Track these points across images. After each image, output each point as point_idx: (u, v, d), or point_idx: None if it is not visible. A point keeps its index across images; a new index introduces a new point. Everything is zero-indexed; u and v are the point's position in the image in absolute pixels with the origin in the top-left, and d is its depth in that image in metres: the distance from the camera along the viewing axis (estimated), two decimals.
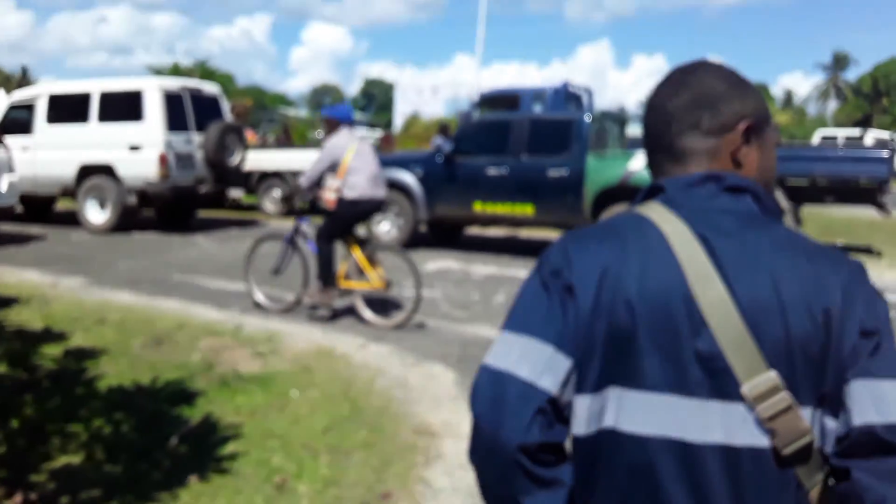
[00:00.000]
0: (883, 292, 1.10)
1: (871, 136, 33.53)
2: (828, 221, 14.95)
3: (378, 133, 30.86)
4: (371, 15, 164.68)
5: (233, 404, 4.31)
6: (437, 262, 9.44)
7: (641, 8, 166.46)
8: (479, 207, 9.90)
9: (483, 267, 9.19)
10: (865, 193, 11.01)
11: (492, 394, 1.04)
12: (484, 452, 1.05)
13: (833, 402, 1.00)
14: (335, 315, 6.50)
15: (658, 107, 1.16)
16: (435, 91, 45.77)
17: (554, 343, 1.03)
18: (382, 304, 6.58)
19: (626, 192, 8.96)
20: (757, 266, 1.02)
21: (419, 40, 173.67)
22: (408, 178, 10.32)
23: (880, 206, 11.19)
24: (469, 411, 1.06)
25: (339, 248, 6.38)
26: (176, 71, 37.60)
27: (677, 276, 1.01)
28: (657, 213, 1.08)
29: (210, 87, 13.10)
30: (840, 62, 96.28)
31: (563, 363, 1.03)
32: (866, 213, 13.58)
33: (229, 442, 3.79)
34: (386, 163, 10.85)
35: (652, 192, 1.14)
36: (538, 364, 1.03)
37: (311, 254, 6.43)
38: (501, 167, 9.64)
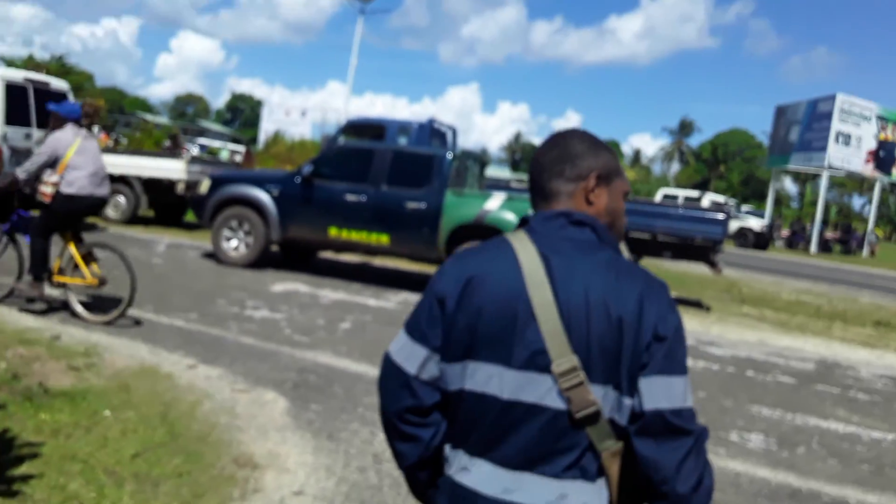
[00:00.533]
0: (683, 321, 1.41)
1: (708, 198, 36.25)
2: (664, 274, 15.90)
3: (240, 148, 29.98)
4: (246, 31, 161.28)
5: (34, 421, 3.91)
6: (285, 284, 9.18)
7: (510, 58, 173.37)
8: (334, 233, 9.74)
9: (332, 292, 9.03)
10: (700, 251, 11.78)
11: (382, 372, 1.54)
12: (381, 413, 1.55)
13: (630, 387, 1.35)
14: (51, 308, 6.47)
15: (537, 159, 1.55)
16: (303, 113, 45.42)
17: (417, 339, 1.47)
18: (99, 301, 6.61)
19: (480, 230, 9.11)
20: (577, 279, 1.38)
21: (293, 62, 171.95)
22: (262, 196, 10.02)
23: (712, 265, 12.00)
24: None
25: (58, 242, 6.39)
26: (30, 63, 34.97)
27: (520, 283, 1.39)
28: (517, 238, 1.46)
29: (58, 83, 12.23)
30: (685, 128, 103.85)
31: (421, 352, 1.46)
32: (699, 269, 14.57)
33: (24, 462, 3.42)
34: (243, 179, 10.57)
35: (523, 222, 1.51)
36: (404, 352, 1.49)
37: (26, 246, 6.37)
38: (360, 195, 9.55)
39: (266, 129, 41.78)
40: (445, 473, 1.48)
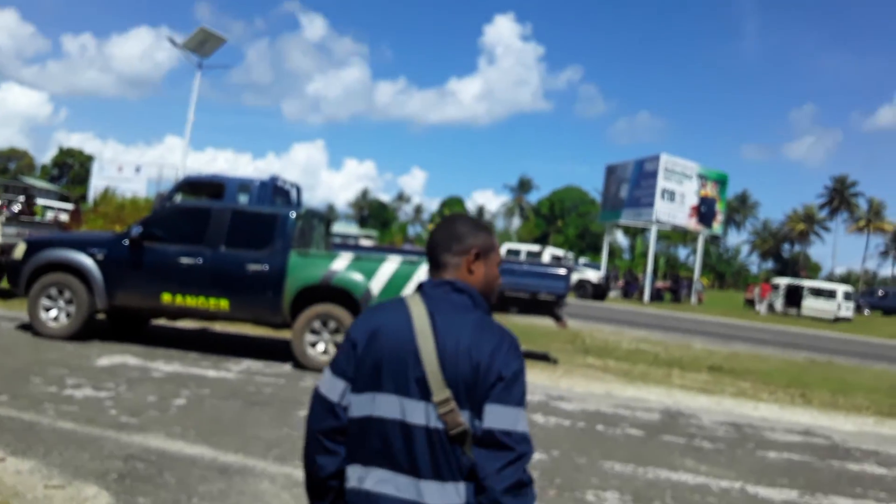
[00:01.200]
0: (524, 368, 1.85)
1: (549, 252, 37.71)
2: (513, 327, 16.11)
3: (67, 206, 27.81)
4: (76, 84, 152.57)
5: None
6: (112, 357, 8.34)
7: (355, 116, 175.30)
8: (167, 299, 9.02)
9: (166, 364, 8.29)
10: (545, 306, 11.98)
11: (312, 402, 1.90)
12: (306, 433, 1.89)
13: (479, 413, 1.76)
14: None
15: (432, 236, 1.99)
16: (138, 169, 43.22)
17: (338, 374, 1.86)
18: None
19: (327, 291, 8.76)
20: (452, 332, 1.80)
21: (128, 116, 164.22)
22: (85, 260, 9.14)
23: (557, 318, 12.23)
24: None
25: None
26: None
27: (412, 334, 1.80)
28: (413, 299, 1.89)
29: None
30: (524, 185, 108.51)
31: (341, 385, 1.85)
32: (545, 322, 14.86)
33: None
34: (63, 242, 9.61)
35: (419, 287, 1.93)
36: (327, 385, 1.87)
37: None
38: (196, 257, 8.93)
39: (96, 185, 39.21)
40: (348, 487, 1.85)
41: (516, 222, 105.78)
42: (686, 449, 6.68)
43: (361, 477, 1.80)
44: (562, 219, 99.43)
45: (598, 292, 34.00)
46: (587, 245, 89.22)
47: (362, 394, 1.83)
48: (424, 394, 1.77)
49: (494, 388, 1.76)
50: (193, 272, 8.92)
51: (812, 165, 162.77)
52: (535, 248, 41.06)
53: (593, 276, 35.79)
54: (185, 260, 8.95)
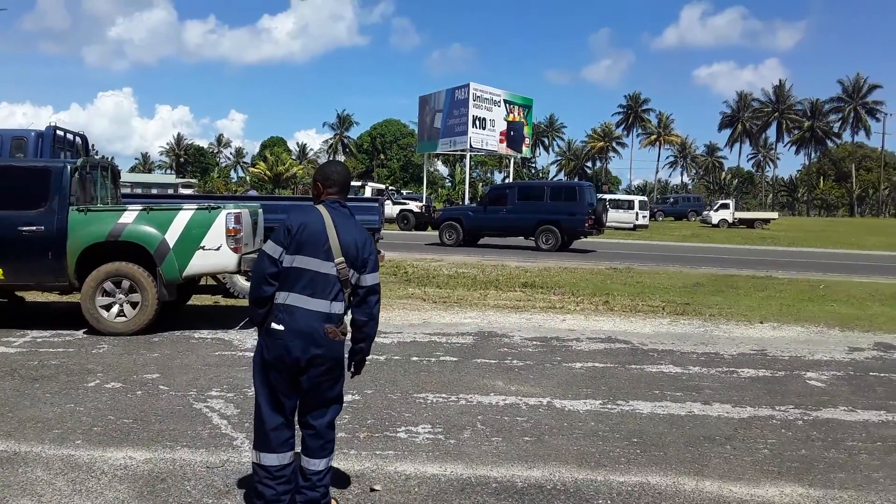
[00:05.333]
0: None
1: (370, 186, 37.49)
2: None
3: None
4: None
5: None
6: None
7: (163, 60, 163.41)
8: None
9: None
10: None
11: (258, 258, 3.47)
12: (254, 277, 3.46)
13: (359, 274, 3.47)
14: None
15: (334, 174, 3.66)
16: None
17: (279, 244, 3.38)
18: None
19: (117, 248, 8.03)
20: (345, 228, 3.45)
21: None
22: None
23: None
24: None
25: None
26: None
27: (323, 227, 3.40)
28: (322, 209, 3.48)
29: None
30: (344, 122, 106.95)
31: (279, 249, 3.37)
32: None
33: None
34: None
35: (319, 201, 3.59)
36: (271, 248, 3.39)
37: None
38: None
39: None
40: (276, 302, 3.37)
41: (340, 159, 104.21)
42: (497, 370, 6.84)
43: (285, 297, 3.34)
44: (384, 153, 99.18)
45: (420, 222, 34.35)
46: (411, 177, 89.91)
47: (293, 255, 3.34)
48: (329, 258, 3.35)
49: (367, 263, 3.46)
50: None
51: (609, 87, 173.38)
52: (356, 183, 40.66)
53: (415, 206, 36.09)
54: None
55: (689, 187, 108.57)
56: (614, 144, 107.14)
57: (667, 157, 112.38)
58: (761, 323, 10.05)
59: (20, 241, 7.93)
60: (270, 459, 3.38)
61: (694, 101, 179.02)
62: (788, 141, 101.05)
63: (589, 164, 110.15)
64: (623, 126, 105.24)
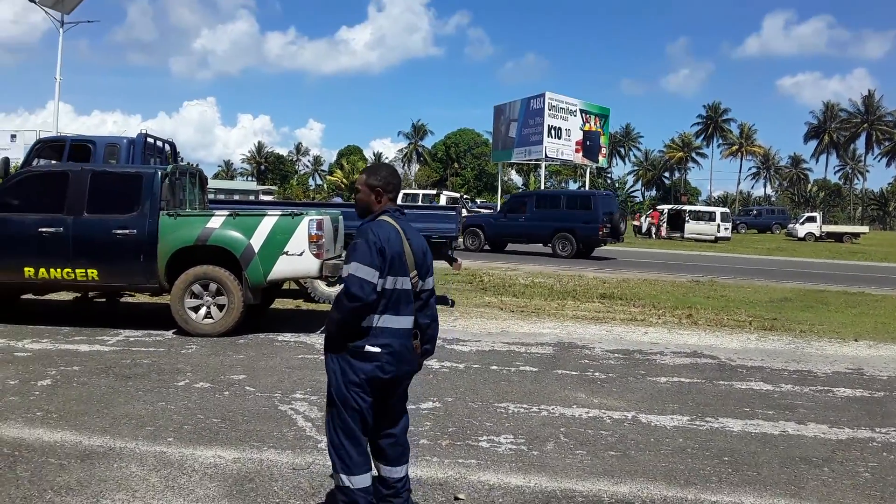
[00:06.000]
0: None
1: (444, 195, 37.64)
2: None
3: None
4: None
5: None
6: None
7: (245, 70, 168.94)
8: (29, 273, 8.31)
9: (34, 342, 7.66)
10: (438, 248, 11.86)
11: (357, 282, 3.13)
12: (351, 305, 3.15)
13: (425, 278, 3.43)
14: None
15: (394, 179, 3.45)
16: (13, 137, 40.87)
17: (375, 267, 3.16)
18: None
19: (205, 252, 8.27)
20: (413, 236, 3.37)
21: (4, 83, 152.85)
22: None
23: (451, 260, 12.14)
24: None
25: None
26: None
27: (401, 241, 3.27)
28: (390, 219, 3.32)
29: None
30: (419, 131, 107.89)
31: (376, 274, 3.15)
32: (440, 265, 14.76)
33: None
34: None
35: (383, 210, 3.38)
36: (371, 275, 3.14)
37: None
38: (57, 226, 8.23)
39: None
40: (369, 325, 3.21)
41: (415, 168, 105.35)
42: (579, 382, 6.72)
43: (378, 319, 3.21)
44: (458, 162, 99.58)
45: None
46: (485, 185, 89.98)
47: (386, 277, 3.20)
48: (407, 272, 3.28)
49: (430, 268, 3.45)
50: (55, 242, 8.23)
51: (688, 96, 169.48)
52: (430, 192, 40.97)
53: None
54: (44, 230, 8.24)
55: (773, 199, 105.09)
56: (693, 155, 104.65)
57: (749, 169, 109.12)
58: (856, 340, 9.58)
59: (114, 243, 8.25)
60: (364, 481, 3.24)
61: (777, 111, 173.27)
62: (879, 153, 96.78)
63: (666, 174, 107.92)
64: (702, 136, 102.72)
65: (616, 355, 7.99)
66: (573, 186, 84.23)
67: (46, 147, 13.26)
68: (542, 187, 43.89)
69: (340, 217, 9.61)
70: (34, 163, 12.82)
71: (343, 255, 9.09)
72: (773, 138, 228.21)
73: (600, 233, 23.31)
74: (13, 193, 8.54)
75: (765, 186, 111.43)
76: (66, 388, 5.92)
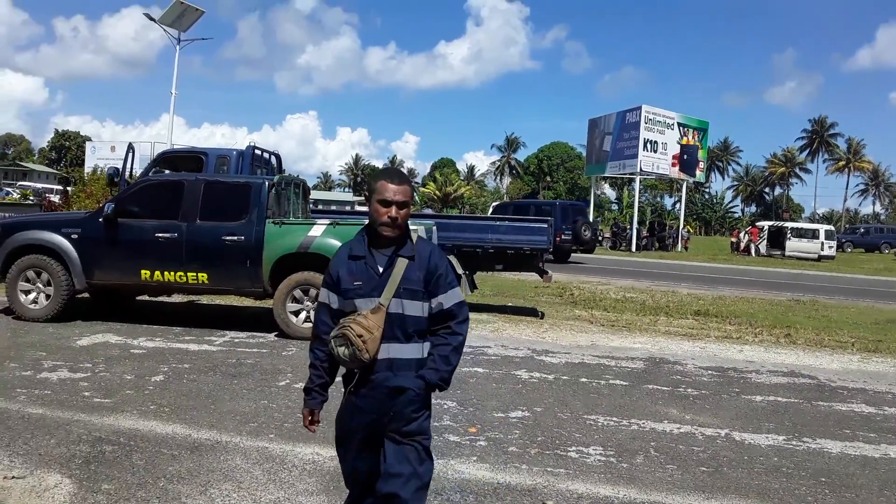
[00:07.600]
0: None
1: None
2: (500, 284, 16.07)
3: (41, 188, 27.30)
4: (70, 68, 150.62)
5: None
6: (93, 336, 8.24)
7: (346, 85, 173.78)
8: (146, 275, 8.89)
9: (148, 340, 8.20)
10: (529, 261, 11.93)
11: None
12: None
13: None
14: None
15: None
16: (114, 149, 43.56)
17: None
18: None
19: (306, 259, 8.64)
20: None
21: (124, 97, 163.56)
22: (60, 240, 9.01)
23: (542, 273, 12.17)
24: None
25: None
26: None
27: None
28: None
29: None
30: (512, 144, 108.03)
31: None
32: (531, 276, 14.80)
33: None
34: (38, 224, 9.42)
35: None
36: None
37: None
38: (172, 232, 8.79)
39: (92, 166, 39.12)
40: None
41: (507, 181, 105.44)
42: (670, 397, 6.66)
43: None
44: (550, 175, 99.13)
45: (590, 247, 33.98)
46: (577, 199, 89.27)
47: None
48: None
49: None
50: (170, 247, 8.78)
51: (793, 109, 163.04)
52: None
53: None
54: (160, 235, 8.81)
55: (882, 217, 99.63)
56: (797, 170, 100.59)
57: (856, 185, 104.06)
58: None
59: (223, 249, 8.73)
60: None
61: (890, 125, 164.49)
62: None
63: (767, 190, 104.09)
64: (807, 151, 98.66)
65: (709, 372, 7.86)
66: (669, 201, 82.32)
67: (165, 159, 14.11)
68: (636, 201, 43.10)
69: (434, 228, 9.84)
70: (150, 172, 13.67)
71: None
72: (884, 154, 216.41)
73: (557, 240, 25.24)
74: (133, 201, 9.15)
75: (873, 204, 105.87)
76: (177, 384, 6.33)
